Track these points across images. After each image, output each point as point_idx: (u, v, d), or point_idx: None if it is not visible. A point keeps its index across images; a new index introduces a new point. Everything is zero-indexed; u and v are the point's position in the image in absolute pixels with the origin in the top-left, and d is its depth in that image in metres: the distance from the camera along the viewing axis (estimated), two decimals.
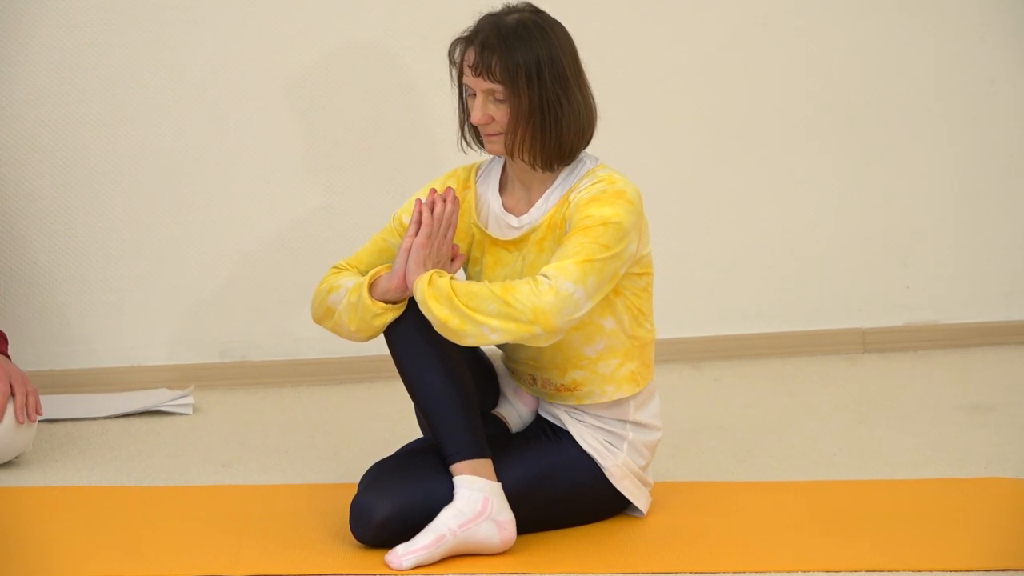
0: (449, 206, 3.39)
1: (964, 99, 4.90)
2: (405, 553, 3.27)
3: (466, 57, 3.38)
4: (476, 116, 3.39)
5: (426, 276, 3.31)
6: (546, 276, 3.28)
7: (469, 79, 3.39)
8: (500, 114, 3.37)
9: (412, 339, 3.37)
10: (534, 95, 3.34)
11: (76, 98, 4.50)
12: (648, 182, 4.39)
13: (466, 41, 3.39)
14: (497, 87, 3.35)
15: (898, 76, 4.87)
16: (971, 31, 4.87)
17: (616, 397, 3.45)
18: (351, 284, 3.43)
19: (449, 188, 3.41)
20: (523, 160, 3.41)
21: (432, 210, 3.37)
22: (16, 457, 3.95)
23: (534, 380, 3.52)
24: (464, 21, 3.46)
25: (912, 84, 4.88)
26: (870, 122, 4.88)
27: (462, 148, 3.52)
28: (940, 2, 4.85)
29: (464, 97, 3.44)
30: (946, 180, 4.94)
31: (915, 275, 4.96)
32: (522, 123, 3.36)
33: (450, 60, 3.42)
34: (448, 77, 3.38)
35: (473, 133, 3.47)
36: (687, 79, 4.77)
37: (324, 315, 3.48)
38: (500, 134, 3.39)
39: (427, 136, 4.63)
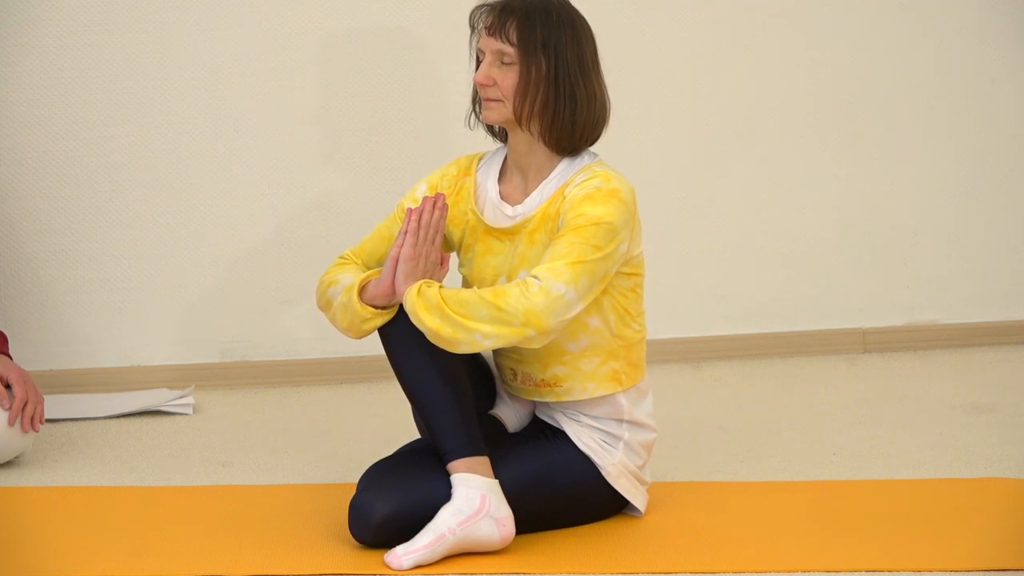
0: (437, 213, 3.39)
1: (964, 98, 4.90)
2: (405, 553, 3.27)
3: (485, 19, 3.40)
4: (478, 75, 3.39)
5: (415, 287, 3.31)
6: (536, 278, 3.29)
7: (483, 41, 3.40)
8: (503, 78, 3.38)
9: (407, 340, 3.37)
10: (549, 67, 3.35)
11: (76, 98, 4.51)
12: (648, 181, 4.41)
13: (490, 6, 3.41)
14: (508, 49, 3.35)
15: (899, 75, 4.87)
16: (971, 31, 4.87)
17: (596, 395, 3.45)
18: (347, 282, 3.44)
19: (439, 194, 3.41)
20: (531, 131, 3.41)
21: (420, 220, 3.38)
22: (16, 457, 3.95)
23: (515, 374, 3.52)
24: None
25: (912, 83, 4.88)
26: (871, 121, 4.88)
27: (469, 124, 3.53)
28: (941, 2, 4.85)
29: (478, 65, 3.45)
30: (946, 180, 4.94)
31: (915, 275, 4.96)
32: (531, 91, 3.36)
33: (470, 25, 3.44)
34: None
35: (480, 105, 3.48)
36: (687, 78, 4.77)
37: (324, 305, 3.51)
38: (498, 101, 3.39)
39: (427, 136, 4.63)
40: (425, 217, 3.38)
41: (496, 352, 3.56)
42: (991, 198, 4.96)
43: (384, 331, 3.42)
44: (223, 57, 4.55)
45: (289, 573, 3.26)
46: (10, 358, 3.97)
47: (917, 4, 4.84)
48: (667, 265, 4.68)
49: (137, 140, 4.55)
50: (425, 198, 3.40)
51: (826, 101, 4.85)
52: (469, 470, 3.33)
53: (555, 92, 3.36)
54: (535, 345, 3.31)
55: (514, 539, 3.38)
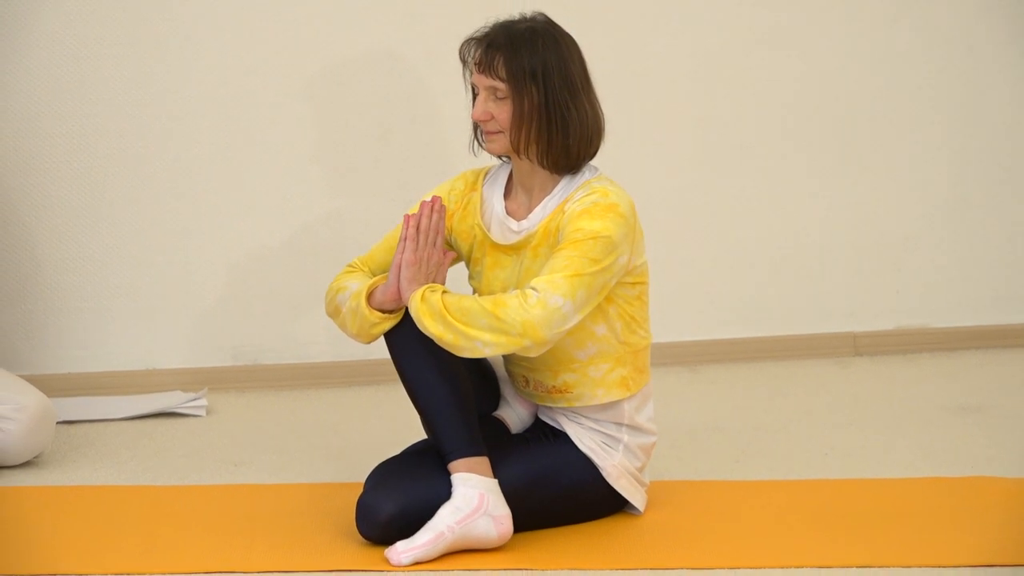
0: (435, 216, 3.42)
1: (955, 105, 4.88)
2: (404, 550, 3.31)
3: (474, 55, 3.43)
4: (475, 112, 3.42)
5: (419, 293, 3.35)
6: (535, 289, 3.31)
7: (474, 76, 3.43)
8: (500, 112, 3.41)
9: (411, 343, 3.41)
10: (540, 96, 3.37)
11: (90, 109, 4.52)
12: (643, 188, 4.38)
13: (476, 41, 3.43)
14: (499, 84, 3.38)
15: (890, 83, 4.86)
16: (962, 38, 4.85)
17: (605, 400, 3.48)
18: (355, 288, 3.48)
19: (436, 197, 3.44)
20: (529, 158, 3.44)
21: (419, 225, 3.42)
22: (36, 457, 3.99)
23: (527, 382, 3.55)
24: (473, 28, 3.50)
25: (904, 91, 4.86)
26: (862, 128, 4.87)
27: (473, 151, 3.56)
28: (932, 9, 4.83)
29: (474, 98, 3.48)
30: (937, 186, 4.92)
31: (905, 280, 4.95)
32: (526, 122, 3.39)
33: (461, 60, 3.47)
34: (457, 86, 3.38)
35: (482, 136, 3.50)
36: (681, 87, 4.77)
37: (333, 312, 3.54)
38: (499, 132, 3.42)
39: (435, 143, 4.64)
40: (424, 222, 3.42)
41: (507, 360, 3.59)
42: (980, 205, 4.94)
43: (388, 335, 3.45)
44: (235, 67, 4.55)
45: (298, 569, 3.30)
46: None
47: (907, 14, 4.82)
48: (663, 271, 4.64)
49: (150, 150, 4.56)
50: (423, 203, 3.43)
51: (817, 109, 4.84)
52: (468, 470, 3.36)
53: (547, 119, 3.39)
54: (532, 354, 3.34)
55: (516, 536, 3.41)
